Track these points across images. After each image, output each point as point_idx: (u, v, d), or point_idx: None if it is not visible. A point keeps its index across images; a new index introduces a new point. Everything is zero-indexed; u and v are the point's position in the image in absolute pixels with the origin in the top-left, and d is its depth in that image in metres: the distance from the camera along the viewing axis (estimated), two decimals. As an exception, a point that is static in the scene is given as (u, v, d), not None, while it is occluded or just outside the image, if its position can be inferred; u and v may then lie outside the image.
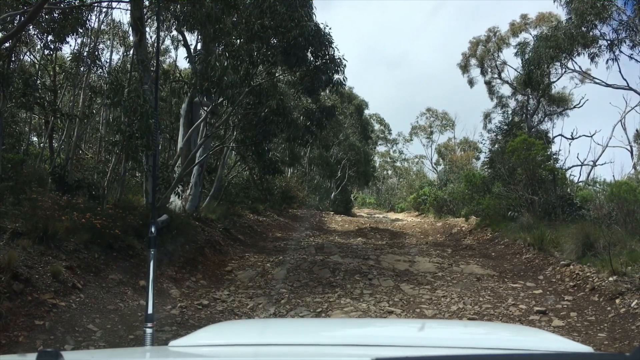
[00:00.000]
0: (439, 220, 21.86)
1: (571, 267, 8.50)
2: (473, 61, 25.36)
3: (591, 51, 13.37)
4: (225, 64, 8.40)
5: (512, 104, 23.70)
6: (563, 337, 2.16)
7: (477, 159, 37.56)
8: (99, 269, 6.89)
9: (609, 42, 12.75)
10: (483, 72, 24.95)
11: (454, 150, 39.99)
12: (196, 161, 11.77)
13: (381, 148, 46.47)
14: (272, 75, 9.67)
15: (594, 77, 16.49)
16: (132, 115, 8.52)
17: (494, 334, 2.38)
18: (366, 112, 34.64)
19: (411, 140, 43.21)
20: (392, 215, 33.65)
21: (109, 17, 14.70)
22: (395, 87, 71.47)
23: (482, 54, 25.01)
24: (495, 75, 24.87)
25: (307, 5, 9.31)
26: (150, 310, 2.57)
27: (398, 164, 51.22)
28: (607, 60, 13.42)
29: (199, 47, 12.98)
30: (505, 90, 24.40)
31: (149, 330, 2.47)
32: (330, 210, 27.23)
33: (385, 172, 52.48)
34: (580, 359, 1.49)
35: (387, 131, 43.30)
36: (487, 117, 25.30)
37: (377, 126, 41.45)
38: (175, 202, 12.10)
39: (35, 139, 17.86)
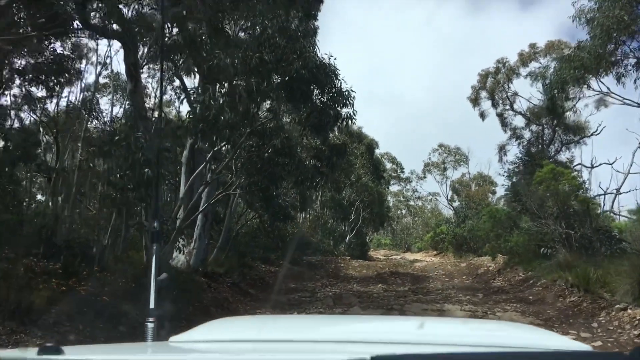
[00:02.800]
0: (463, 260, 20.70)
1: (629, 311, 7.38)
2: (483, 94, 24.92)
3: (617, 71, 12.43)
4: (221, 101, 7.65)
5: (527, 134, 23.20)
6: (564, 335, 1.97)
7: (493, 193, 36.59)
8: (83, 344, 5.93)
9: (638, 59, 11.80)
10: (494, 104, 24.54)
11: (469, 185, 38.95)
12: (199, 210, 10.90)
13: (394, 187, 45.41)
14: (274, 112, 8.92)
15: (624, 98, 15.25)
16: (123, 164, 7.75)
17: (493, 331, 2.27)
18: (377, 151, 33.83)
19: (424, 177, 42.04)
20: (410, 256, 32.48)
21: (108, 69, 14.18)
22: (404, 123, 70.89)
23: (492, 86, 24.56)
24: (507, 107, 24.52)
25: (309, 35, 8.62)
26: (152, 305, 2.56)
27: (412, 202, 50.03)
28: (635, 79, 12.45)
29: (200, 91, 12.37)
30: (519, 121, 23.85)
31: (150, 325, 2.45)
32: (346, 255, 26.07)
33: (399, 212, 51.28)
34: (579, 357, 1.49)
35: (400, 169, 42.30)
36: (502, 149, 24.59)
37: (389, 165, 40.51)
38: (179, 257, 11.17)
39: (42, 197, 17.32)
